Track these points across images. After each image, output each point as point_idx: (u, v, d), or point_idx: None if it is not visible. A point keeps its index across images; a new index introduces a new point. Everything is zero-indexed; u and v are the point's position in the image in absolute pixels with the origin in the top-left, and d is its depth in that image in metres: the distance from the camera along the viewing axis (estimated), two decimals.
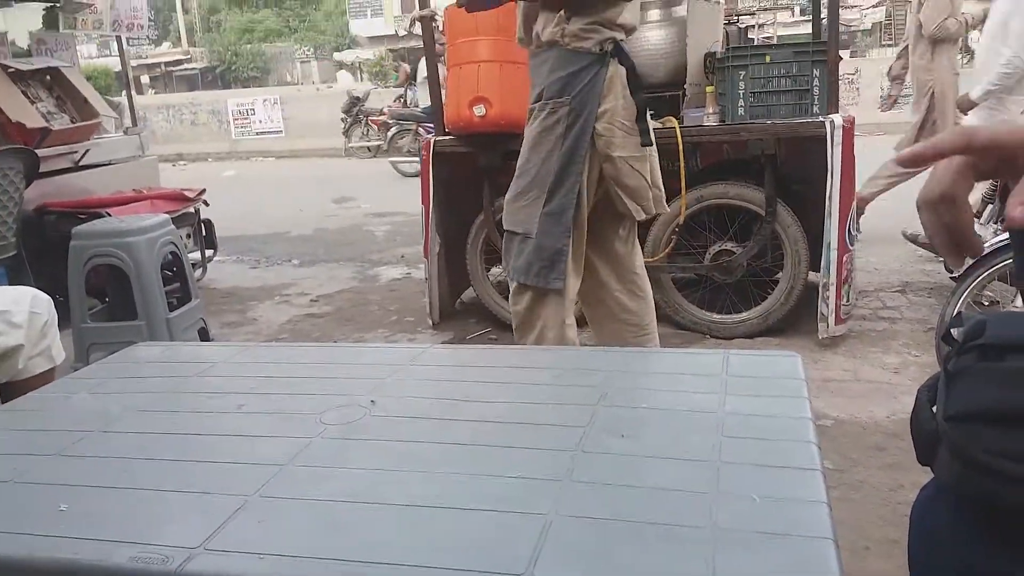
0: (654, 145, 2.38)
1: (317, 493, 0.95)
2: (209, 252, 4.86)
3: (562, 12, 2.19)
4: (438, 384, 1.36)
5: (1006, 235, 2.88)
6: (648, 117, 2.35)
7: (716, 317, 3.57)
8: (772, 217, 3.35)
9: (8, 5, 4.87)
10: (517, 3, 2.34)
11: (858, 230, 3.81)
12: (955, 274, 3.11)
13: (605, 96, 2.23)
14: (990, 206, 3.62)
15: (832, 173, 3.19)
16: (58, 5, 4.44)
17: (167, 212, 3.75)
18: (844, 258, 3.29)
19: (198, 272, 4.63)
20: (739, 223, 3.50)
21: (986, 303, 3.28)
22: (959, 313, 2.66)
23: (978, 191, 3.69)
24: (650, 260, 3.52)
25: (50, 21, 4.81)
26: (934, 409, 1.03)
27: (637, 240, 2.61)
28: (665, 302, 3.61)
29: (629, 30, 2.28)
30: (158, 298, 3.09)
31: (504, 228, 2.43)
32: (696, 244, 3.57)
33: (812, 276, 3.46)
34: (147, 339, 2.94)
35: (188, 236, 4.47)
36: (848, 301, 3.37)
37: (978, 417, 0.93)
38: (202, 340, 3.32)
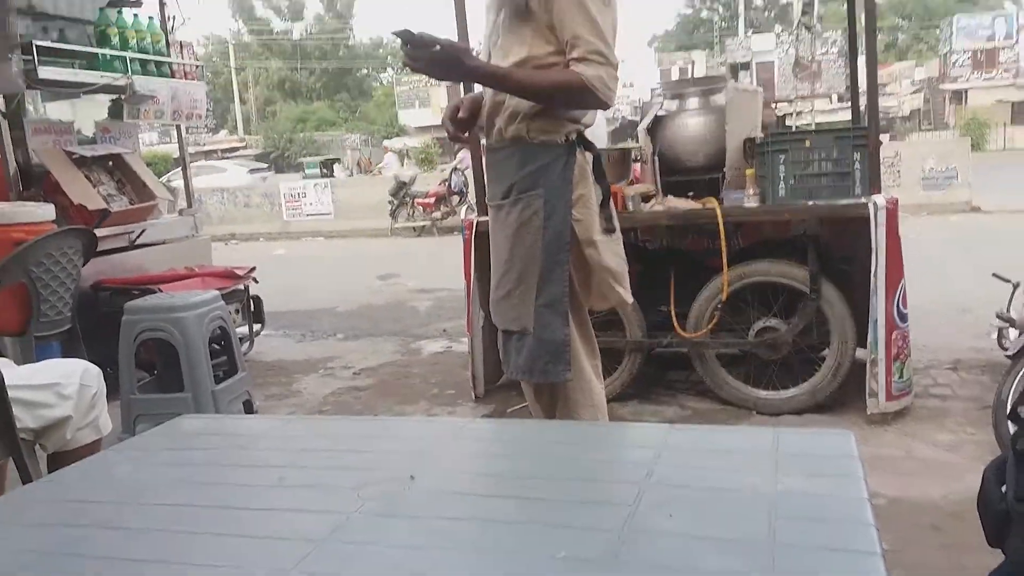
0: (618, 231, 2.34)
1: (354, 571, 0.93)
2: (257, 326, 4.94)
3: (528, 109, 2.13)
4: (479, 459, 1.34)
5: None
6: (611, 203, 2.33)
7: (763, 393, 3.49)
8: (817, 295, 3.31)
9: (77, 96, 5.16)
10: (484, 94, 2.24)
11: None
12: (1010, 352, 3.01)
13: (577, 183, 2.20)
14: None
15: (876, 252, 3.16)
16: (123, 97, 4.69)
17: (217, 289, 3.83)
18: (893, 334, 3.21)
19: (245, 346, 4.70)
20: (783, 299, 3.45)
21: None
22: None
23: None
24: (694, 335, 3.49)
25: (115, 111, 5.08)
26: (1003, 489, 0.98)
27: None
28: (709, 378, 3.54)
29: (588, 124, 2.25)
30: (205, 371, 3.13)
31: (499, 328, 2.33)
32: (739, 320, 3.53)
33: (860, 353, 3.38)
34: (193, 411, 2.98)
35: (237, 311, 4.56)
36: (903, 378, 3.28)
37: None
38: (247, 412, 3.34)
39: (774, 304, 3.46)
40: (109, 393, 2.29)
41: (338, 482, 1.20)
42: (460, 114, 2.25)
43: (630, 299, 2.36)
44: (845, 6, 4.30)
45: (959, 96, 34.53)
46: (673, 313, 3.55)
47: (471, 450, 1.37)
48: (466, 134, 2.30)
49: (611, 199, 2.33)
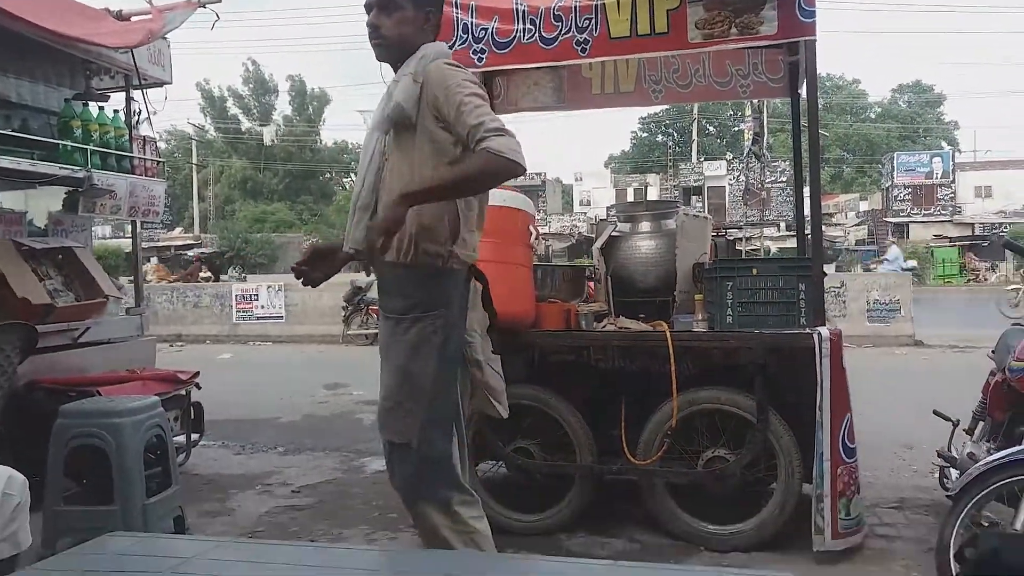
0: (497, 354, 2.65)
1: None
2: (195, 436, 4.78)
3: (450, 237, 2.36)
4: None
5: (1000, 454, 2.86)
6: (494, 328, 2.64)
7: (711, 528, 3.44)
8: (764, 425, 3.32)
9: (32, 187, 5.11)
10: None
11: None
12: (950, 492, 3.04)
13: (471, 308, 2.49)
14: (981, 423, 3.60)
15: (822, 384, 3.20)
16: (80, 190, 4.66)
17: (158, 394, 3.72)
18: (839, 469, 3.23)
19: (181, 456, 4.52)
20: (731, 430, 3.47)
21: (985, 524, 3.18)
22: (975, 535, 2.57)
23: (968, 409, 3.69)
24: (643, 463, 3.46)
25: (70, 205, 5.01)
26: None
27: None
28: (659, 510, 3.50)
29: (475, 256, 2.53)
30: (137, 483, 3.00)
31: (384, 438, 2.46)
32: (689, 449, 3.52)
33: (807, 487, 3.38)
34: (120, 526, 2.83)
35: (176, 419, 4.41)
36: (850, 515, 3.27)
37: None
38: (177, 529, 3.19)
39: (723, 433, 3.47)
40: (33, 503, 2.18)
41: None
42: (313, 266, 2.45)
43: (506, 413, 2.65)
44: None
45: (901, 229, 36.36)
46: (623, 438, 3.53)
47: None
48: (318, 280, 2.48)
49: (494, 324, 2.65)
